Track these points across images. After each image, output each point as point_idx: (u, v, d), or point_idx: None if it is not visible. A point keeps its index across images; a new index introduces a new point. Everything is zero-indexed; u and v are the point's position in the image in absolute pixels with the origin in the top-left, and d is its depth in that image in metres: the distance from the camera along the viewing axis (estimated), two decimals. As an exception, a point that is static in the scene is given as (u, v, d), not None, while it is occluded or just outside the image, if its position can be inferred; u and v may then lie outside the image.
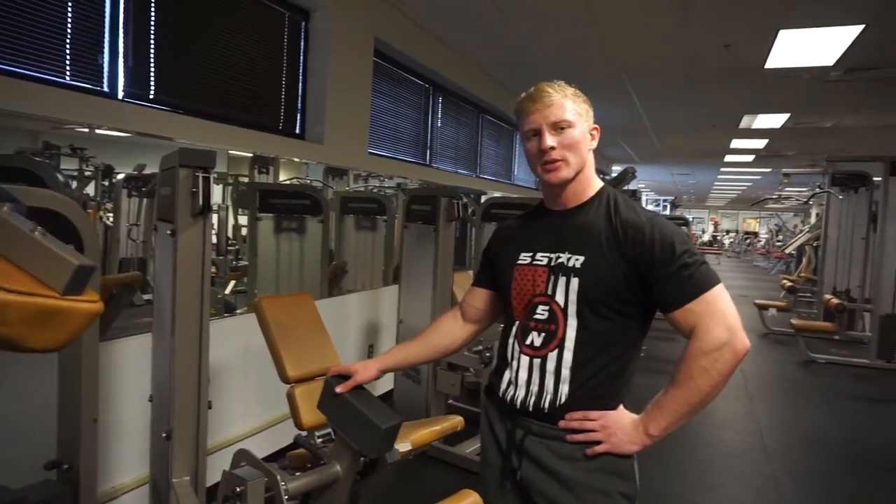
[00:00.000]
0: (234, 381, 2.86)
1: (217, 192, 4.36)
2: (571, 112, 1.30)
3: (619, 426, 1.24)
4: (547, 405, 1.26)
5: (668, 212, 19.60)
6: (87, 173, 3.21)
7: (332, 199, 4.70)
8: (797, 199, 12.19)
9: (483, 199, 5.90)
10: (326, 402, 1.51)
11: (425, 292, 3.43)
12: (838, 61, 4.92)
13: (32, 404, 1.64)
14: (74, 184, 3.17)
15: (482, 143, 6.29)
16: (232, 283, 4.06)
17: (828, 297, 6.90)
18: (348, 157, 3.88)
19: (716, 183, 18.69)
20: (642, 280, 1.23)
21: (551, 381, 1.27)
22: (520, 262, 1.36)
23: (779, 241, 19.43)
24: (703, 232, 30.04)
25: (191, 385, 1.68)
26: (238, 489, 1.39)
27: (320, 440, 2.10)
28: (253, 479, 1.39)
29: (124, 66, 2.36)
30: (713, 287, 1.20)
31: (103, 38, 2.29)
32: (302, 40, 3.39)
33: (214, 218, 4.30)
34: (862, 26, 4.11)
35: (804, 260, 11.16)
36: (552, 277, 1.29)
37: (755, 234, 27.21)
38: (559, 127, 1.28)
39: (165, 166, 1.80)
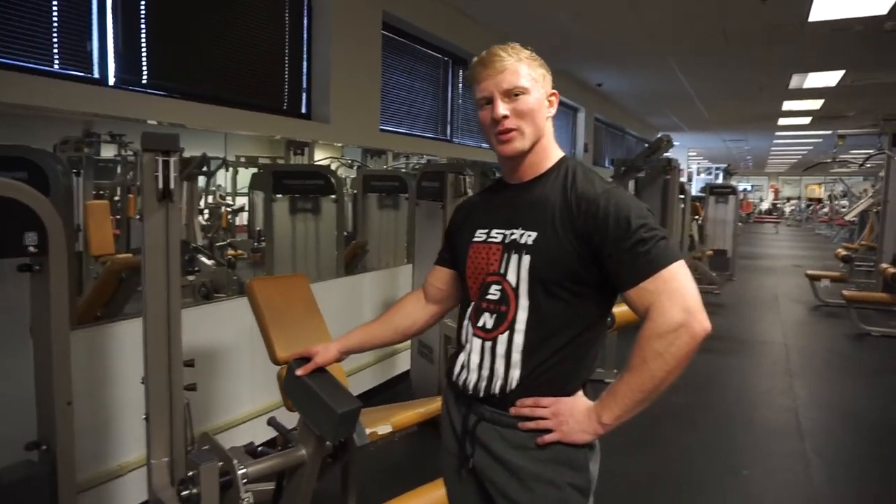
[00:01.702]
0: (241, 362, 2.90)
1: (247, 175, 4.44)
2: (526, 77, 1.20)
3: (572, 414, 1.16)
4: (498, 391, 1.20)
5: (720, 180, 18.78)
6: (129, 159, 3.31)
7: (354, 179, 4.70)
8: (854, 162, 11.45)
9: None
10: (290, 386, 1.50)
11: (435, 270, 3.38)
12: (893, 8, 4.50)
13: (15, 384, 1.68)
14: (119, 169, 3.28)
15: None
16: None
17: (885, 266, 6.48)
18: (358, 136, 3.84)
19: (773, 148, 17.79)
20: (596, 257, 1.15)
21: (502, 366, 1.20)
22: (475, 239, 1.29)
23: (843, 206, 18.40)
24: (761, 200, 28.77)
25: (162, 370, 1.70)
26: (192, 473, 1.39)
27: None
28: (206, 463, 1.38)
29: (114, 52, 2.38)
30: (671, 264, 1.10)
31: (91, 23, 2.30)
32: (305, 17, 3.34)
33: (241, 201, 4.45)
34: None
35: (867, 227, 10.54)
36: (505, 255, 1.22)
37: (819, 201, 25.84)
38: (513, 94, 1.19)
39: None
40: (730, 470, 3.08)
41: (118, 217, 3.22)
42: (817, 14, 4.66)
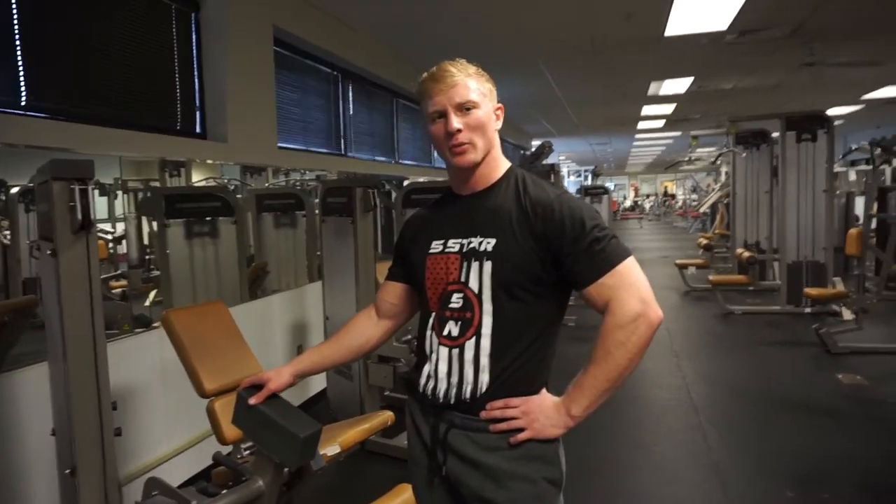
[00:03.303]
0: (155, 399, 2.70)
1: (119, 202, 4.11)
2: (476, 92, 1.26)
3: (541, 410, 1.22)
4: (468, 396, 1.23)
5: (589, 181, 20.12)
6: None
7: (246, 198, 4.53)
8: (707, 160, 12.79)
9: (406, 184, 5.83)
10: (241, 416, 1.44)
11: (349, 286, 3.35)
12: (731, 25, 5.12)
13: None
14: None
15: (399, 128, 6.21)
16: (152, 294, 3.85)
17: (740, 251, 7.30)
18: (256, 154, 3.72)
19: (632, 149, 19.35)
20: (554, 258, 1.22)
21: (471, 371, 1.23)
22: (432, 251, 1.32)
23: (694, 200, 20.39)
24: (625, 198, 31.11)
25: (91, 415, 1.56)
26: (150, 522, 1.30)
27: (247, 453, 2.02)
28: (164, 509, 1.30)
29: (-14, 73, 2.14)
30: (625, 259, 1.20)
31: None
32: (193, 33, 3.19)
33: (121, 228, 4.13)
34: (749, -10, 4.29)
35: (717, 217, 11.76)
36: (465, 263, 1.26)
37: (672, 197, 28.41)
38: (465, 108, 1.24)
39: (40, 180, 1.64)
40: (639, 446, 3.34)
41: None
42: (673, 29, 5.18)
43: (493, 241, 1.24)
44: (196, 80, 3.21)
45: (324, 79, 4.71)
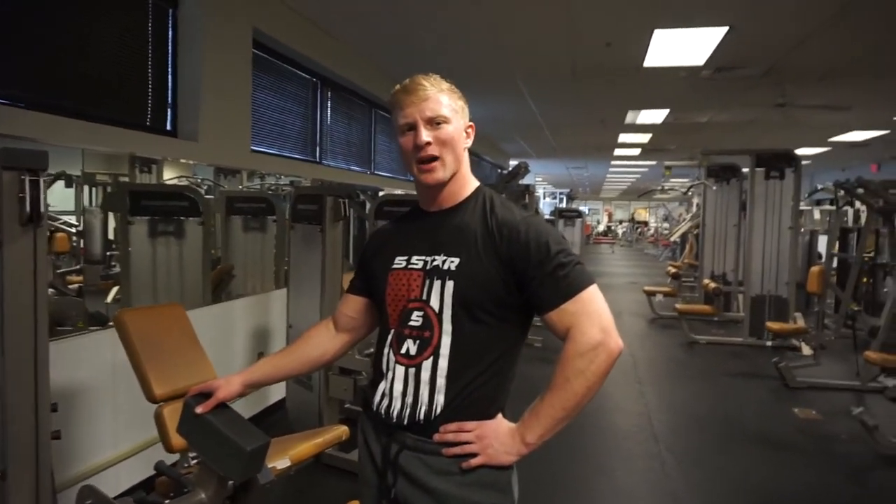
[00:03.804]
0: (103, 401, 2.60)
1: (84, 195, 4.00)
2: (447, 107, 1.24)
3: (496, 436, 1.19)
4: (422, 417, 1.20)
5: (564, 204, 20.32)
6: None
7: (217, 200, 4.45)
8: (679, 190, 13.03)
9: (380, 195, 5.80)
10: (187, 425, 1.38)
11: (314, 295, 3.29)
12: (708, 61, 5.24)
13: None
14: None
15: (376, 139, 6.19)
16: (114, 290, 3.73)
17: (707, 281, 7.41)
18: (227, 156, 3.65)
19: (608, 175, 19.64)
20: (518, 280, 1.20)
21: (426, 392, 1.20)
22: (395, 266, 1.29)
23: (665, 229, 20.74)
24: (598, 223, 31.50)
25: (26, 416, 1.48)
26: (79, 533, 1.24)
27: (194, 462, 1.95)
28: (95, 520, 1.24)
29: (-54, 54, 2.07)
30: (588, 287, 1.18)
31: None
32: (170, 29, 3.14)
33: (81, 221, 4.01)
34: (726, 28, 4.39)
35: (687, 247, 11.96)
36: (427, 281, 1.23)
37: (645, 224, 28.86)
38: (435, 122, 1.23)
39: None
40: (597, 470, 3.34)
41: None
42: (651, 60, 5.28)
43: (456, 261, 1.22)
44: (170, 77, 3.16)
45: (302, 85, 4.68)
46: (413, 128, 1.23)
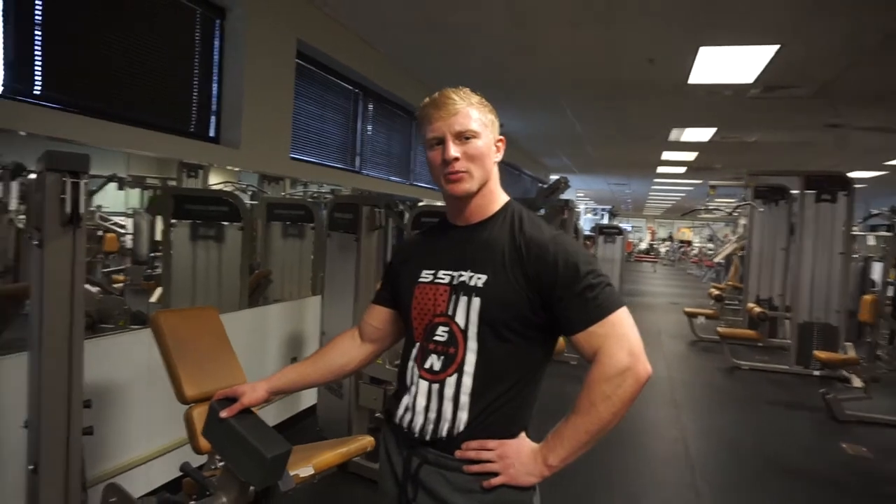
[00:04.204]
0: (138, 400, 2.66)
1: (133, 195, 4.13)
2: (477, 122, 1.23)
3: (518, 456, 1.17)
4: (444, 434, 1.19)
5: (606, 220, 20.04)
6: None
7: (258, 206, 4.53)
8: (724, 210, 12.70)
9: (419, 205, 5.82)
10: (211, 428, 1.39)
11: (348, 303, 3.31)
12: (757, 79, 5.09)
13: None
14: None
15: (416, 149, 6.22)
16: (157, 291, 3.84)
17: (751, 305, 7.17)
18: (268, 163, 3.72)
19: (651, 193, 19.29)
20: (545, 300, 1.18)
21: (449, 408, 1.19)
22: (421, 280, 1.28)
23: (710, 249, 20.21)
24: (640, 241, 30.95)
25: (59, 411, 1.52)
26: (99, 530, 1.25)
27: (221, 464, 1.96)
28: (115, 519, 1.25)
29: (3, 60, 2.16)
30: (617, 310, 1.16)
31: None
32: (216, 39, 3.22)
33: (131, 223, 4.14)
34: (777, 46, 4.26)
35: (732, 269, 11.62)
36: (453, 297, 1.22)
37: (689, 243, 28.21)
38: (464, 137, 1.21)
39: (37, 169, 1.63)
40: (630, 497, 3.23)
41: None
42: (696, 77, 5.17)
43: (483, 278, 1.21)
44: (214, 86, 3.23)
45: (343, 95, 4.74)
46: (442, 142, 1.22)
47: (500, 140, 1.30)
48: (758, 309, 6.87)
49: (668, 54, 4.66)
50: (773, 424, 4.65)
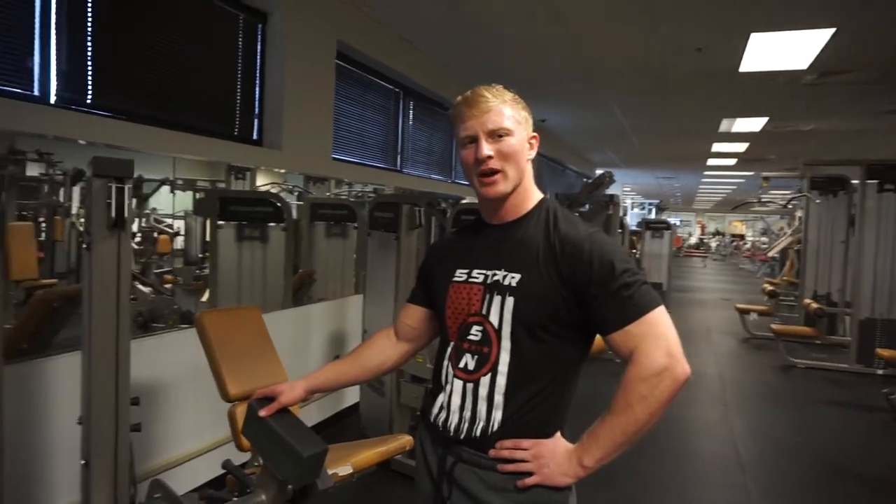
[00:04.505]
0: (185, 397, 2.74)
1: (185, 198, 4.27)
2: (510, 119, 1.22)
3: (552, 456, 1.16)
4: (479, 433, 1.19)
5: (653, 215, 19.60)
6: (57, 178, 3.11)
7: (301, 206, 4.61)
8: (778, 203, 12.23)
9: (460, 203, 5.81)
10: (250, 427, 1.42)
11: (388, 301, 3.33)
12: (812, 65, 4.88)
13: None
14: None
15: (457, 148, 6.21)
16: (207, 292, 3.96)
17: (808, 301, 6.88)
18: (310, 164, 3.78)
19: (700, 186, 18.75)
20: (580, 299, 1.15)
21: (484, 408, 1.19)
22: (455, 279, 1.28)
23: (764, 243, 19.52)
24: (690, 235, 30.16)
25: (108, 408, 1.58)
26: (143, 525, 1.29)
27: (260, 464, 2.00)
28: (159, 514, 1.29)
29: (57, 70, 2.25)
30: (654, 309, 1.13)
31: (33, 39, 2.18)
32: (259, 43, 3.29)
33: (181, 225, 4.28)
34: (832, 30, 4.07)
35: (787, 263, 11.18)
36: (487, 296, 1.21)
37: (741, 237, 27.32)
38: (497, 135, 1.20)
39: (86, 175, 1.69)
40: (678, 498, 3.14)
41: (42, 239, 3.03)
42: (747, 65, 4.98)
43: (517, 277, 1.19)
44: (257, 89, 3.30)
45: (385, 95, 4.77)
46: (475, 140, 1.22)
47: (533, 137, 1.29)
48: (815, 305, 6.59)
49: (717, 42, 4.51)
50: (831, 425, 4.45)
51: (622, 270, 1.13)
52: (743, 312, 7.68)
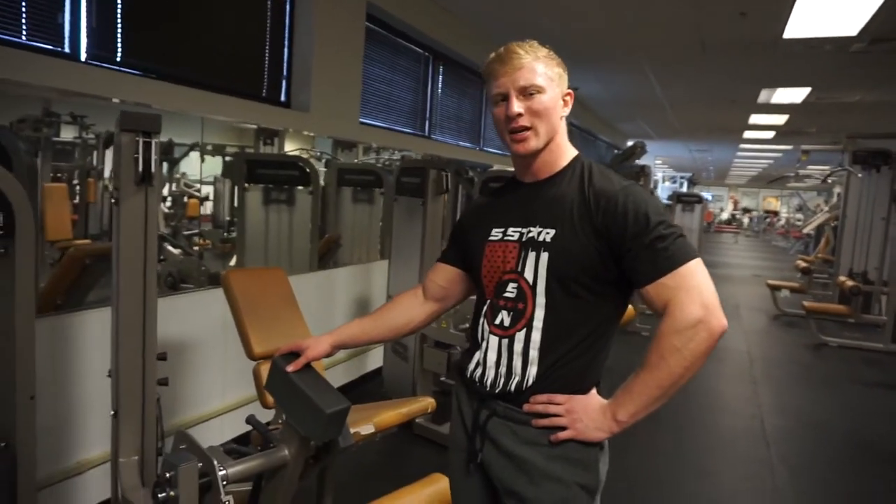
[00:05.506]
0: (213, 355, 2.79)
1: (214, 163, 4.30)
2: (542, 76, 1.19)
3: (586, 411, 1.16)
4: (514, 388, 1.20)
5: (685, 188, 19.20)
6: (90, 141, 3.15)
7: (327, 171, 4.61)
8: (817, 178, 11.84)
9: (488, 171, 5.74)
10: (274, 383, 1.43)
11: (413, 267, 3.33)
12: (862, 31, 4.64)
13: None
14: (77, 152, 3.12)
15: (487, 115, 6.12)
16: (235, 256, 4.01)
17: (843, 278, 6.70)
18: (337, 127, 3.75)
19: (735, 160, 18.24)
20: (614, 253, 1.14)
21: (519, 363, 1.19)
22: (491, 238, 1.28)
23: (799, 220, 19.02)
24: (722, 210, 29.52)
25: (135, 363, 1.60)
26: (169, 474, 1.31)
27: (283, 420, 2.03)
28: (184, 464, 1.30)
29: (87, 27, 2.25)
30: (690, 261, 1.10)
31: (63, -5, 2.17)
32: (287, 4, 3.24)
33: (209, 191, 4.31)
34: (887, -8, 3.86)
35: (822, 240, 10.89)
36: (522, 253, 1.21)
37: (775, 214, 26.65)
38: (528, 92, 1.19)
39: (114, 130, 1.69)
40: (698, 472, 3.12)
41: (76, 201, 3.08)
42: (792, 31, 4.76)
43: (552, 232, 1.19)
44: (286, 50, 3.27)
45: (414, 58, 4.69)
46: (506, 98, 1.20)
47: (568, 93, 1.26)
48: (850, 283, 6.40)
49: (762, 5, 4.30)
50: (862, 405, 4.35)
51: (657, 222, 1.11)
52: (774, 289, 7.52)
